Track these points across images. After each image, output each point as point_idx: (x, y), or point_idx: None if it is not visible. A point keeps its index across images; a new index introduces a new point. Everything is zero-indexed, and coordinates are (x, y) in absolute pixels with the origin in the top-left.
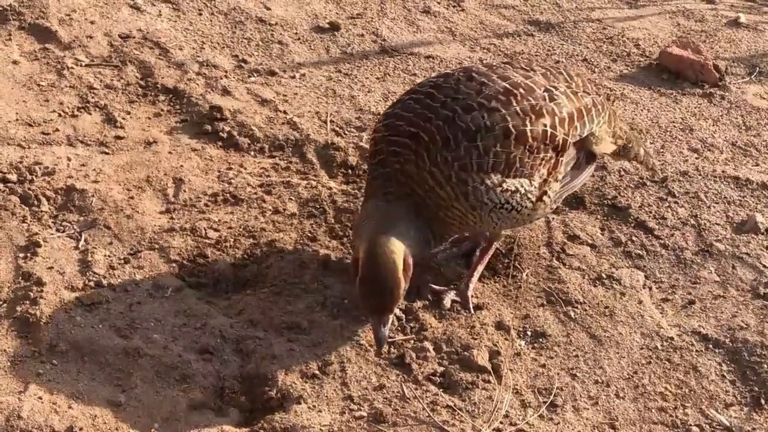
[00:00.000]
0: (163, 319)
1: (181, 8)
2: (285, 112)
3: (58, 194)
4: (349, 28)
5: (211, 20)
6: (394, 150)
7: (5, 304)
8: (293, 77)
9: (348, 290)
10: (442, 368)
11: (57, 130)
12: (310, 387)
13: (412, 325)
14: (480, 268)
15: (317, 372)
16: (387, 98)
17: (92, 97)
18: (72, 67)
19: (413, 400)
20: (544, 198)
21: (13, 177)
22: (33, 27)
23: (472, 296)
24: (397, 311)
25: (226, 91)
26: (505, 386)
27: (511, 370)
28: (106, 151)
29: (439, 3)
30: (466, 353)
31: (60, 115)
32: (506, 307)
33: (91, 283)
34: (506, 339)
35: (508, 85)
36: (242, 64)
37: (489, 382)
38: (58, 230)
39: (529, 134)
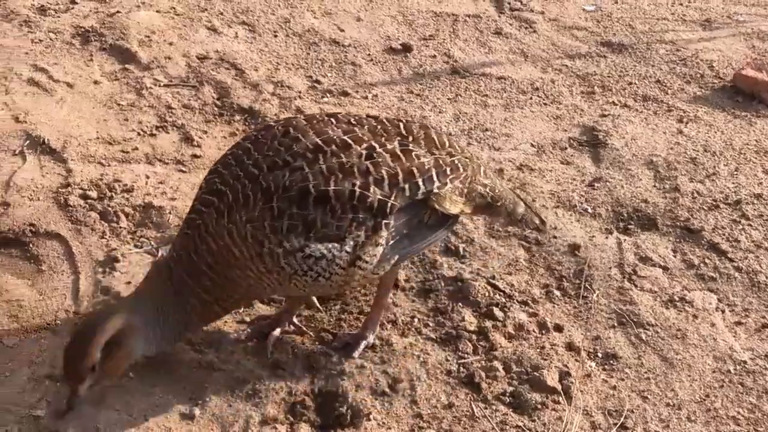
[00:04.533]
0: (236, 334)
1: (257, 30)
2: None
3: (137, 211)
4: (422, 50)
5: (286, 42)
6: (200, 208)
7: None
8: (365, 97)
9: (417, 309)
10: (511, 388)
11: (136, 148)
12: (380, 404)
13: (482, 344)
14: (285, 327)
15: (387, 389)
16: (458, 118)
17: (170, 117)
18: (151, 87)
19: (482, 420)
20: (359, 263)
21: (94, 194)
22: (114, 48)
23: (273, 340)
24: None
25: (299, 112)
26: (575, 407)
27: (581, 391)
28: (183, 169)
29: (511, 25)
30: (535, 373)
31: (139, 133)
32: (577, 328)
33: None
34: (576, 360)
35: (319, 141)
36: (316, 85)
37: (559, 402)
38: (136, 246)
39: (331, 195)
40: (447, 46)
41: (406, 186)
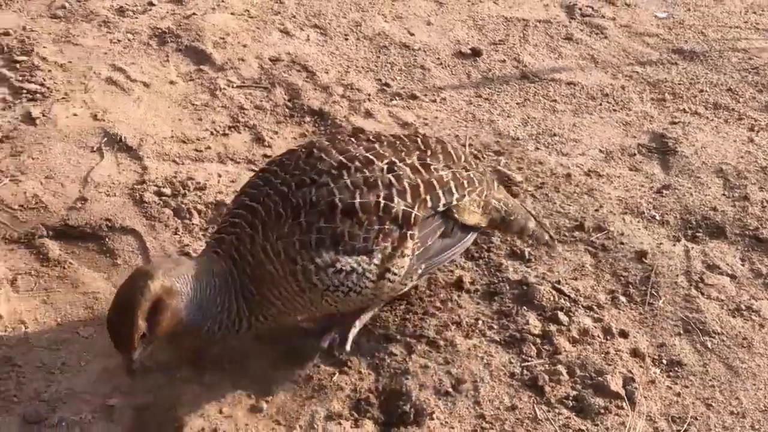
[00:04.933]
0: (304, 332)
1: (328, 33)
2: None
3: (209, 208)
4: (491, 54)
5: (356, 45)
6: (233, 221)
7: None
8: (434, 101)
9: (482, 311)
10: (575, 392)
11: (209, 147)
12: (443, 404)
13: (546, 348)
14: (359, 323)
15: (450, 389)
16: (526, 123)
17: (242, 117)
18: (224, 88)
19: (545, 423)
20: (388, 275)
21: (168, 191)
22: (189, 49)
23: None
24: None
25: (368, 114)
26: (639, 413)
27: (645, 397)
28: (254, 168)
29: (581, 30)
30: (599, 378)
31: (212, 133)
32: (642, 335)
33: None
34: (641, 366)
35: (343, 158)
36: (385, 88)
37: (622, 408)
38: (207, 242)
39: (358, 207)
40: (517, 51)
41: (428, 197)
